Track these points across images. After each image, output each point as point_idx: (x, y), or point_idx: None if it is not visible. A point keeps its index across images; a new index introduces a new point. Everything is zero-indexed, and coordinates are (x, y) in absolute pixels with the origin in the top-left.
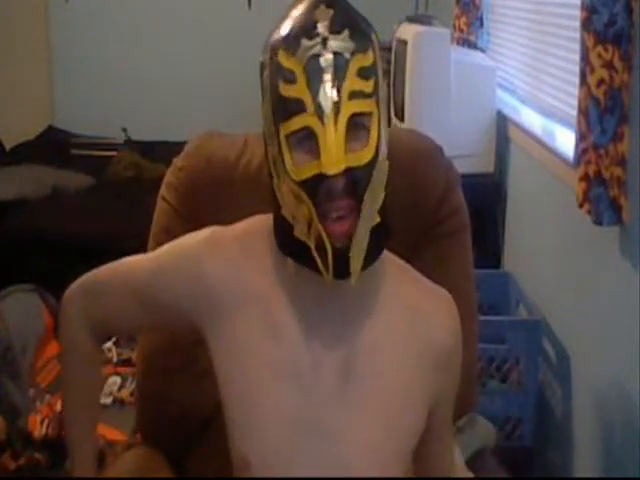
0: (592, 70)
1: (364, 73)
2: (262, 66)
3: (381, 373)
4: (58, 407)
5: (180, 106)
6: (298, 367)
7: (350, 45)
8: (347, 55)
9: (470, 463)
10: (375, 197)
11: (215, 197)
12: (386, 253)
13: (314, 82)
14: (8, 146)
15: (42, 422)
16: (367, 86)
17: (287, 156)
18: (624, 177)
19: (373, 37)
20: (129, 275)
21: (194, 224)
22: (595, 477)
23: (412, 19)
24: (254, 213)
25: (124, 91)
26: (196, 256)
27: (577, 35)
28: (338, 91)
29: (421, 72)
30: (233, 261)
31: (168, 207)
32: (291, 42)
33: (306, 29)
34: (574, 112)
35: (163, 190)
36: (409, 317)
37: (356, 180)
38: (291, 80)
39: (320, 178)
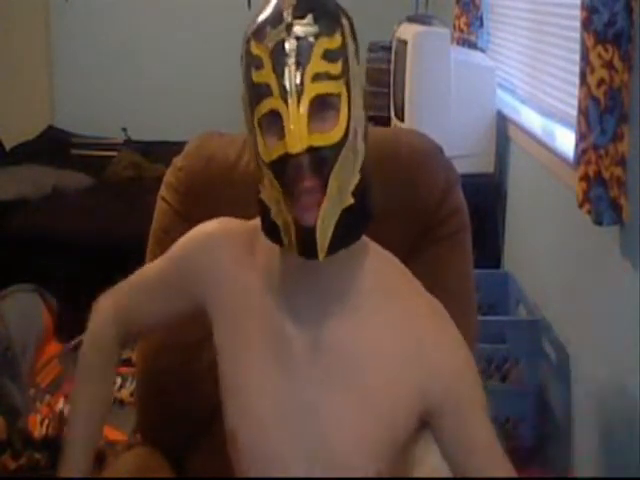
0: (592, 70)
1: (330, 55)
2: (241, 58)
3: (360, 360)
4: (58, 407)
5: (180, 106)
6: (281, 349)
7: (314, 29)
8: (311, 39)
9: None
10: (345, 178)
11: (215, 197)
12: (373, 245)
13: (279, 66)
14: (8, 146)
15: (42, 422)
16: (334, 68)
17: (259, 140)
18: (624, 177)
19: (343, 20)
20: (145, 273)
21: (194, 224)
22: (595, 477)
23: (412, 19)
24: (253, 213)
25: (124, 91)
26: (204, 245)
27: (577, 35)
28: (302, 73)
29: (421, 72)
30: (235, 252)
31: (168, 207)
32: (260, 31)
33: (273, 18)
34: (574, 112)
35: (163, 190)
36: (390, 309)
37: (322, 159)
38: (259, 66)
39: (286, 158)
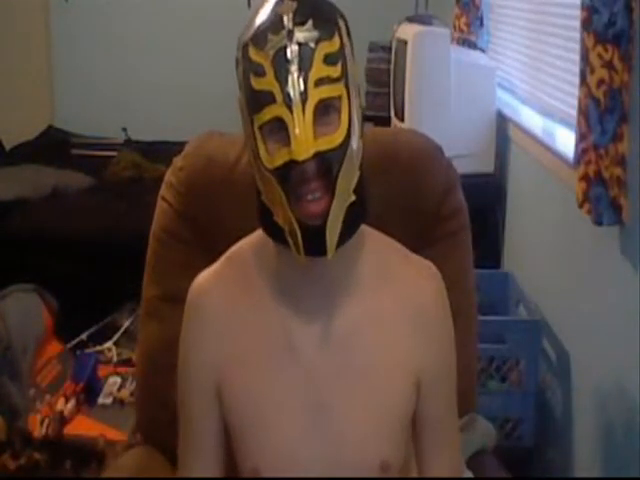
0: (592, 70)
1: (330, 59)
2: (237, 63)
3: (368, 346)
4: (58, 407)
5: (180, 106)
6: (293, 357)
7: (315, 34)
8: (312, 44)
9: (470, 463)
10: (349, 177)
11: (215, 197)
12: (367, 229)
13: (282, 73)
14: (8, 146)
15: (42, 422)
16: (334, 71)
17: (261, 146)
18: (624, 177)
19: (340, 22)
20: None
21: (194, 224)
22: (595, 477)
23: (412, 19)
24: (253, 213)
25: (124, 91)
26: (198, 324)
27: (577, 35)
28: (305, 80)
29: (421, 72)
30: (225, 292)
31: (168, 207)
32: (259, 38)
33: (272, 24)
34: (574, 112)
35: (163, 190)
36: (390, 285)
37: (328, 163)
38: (261, 73)
39: (291, 164)
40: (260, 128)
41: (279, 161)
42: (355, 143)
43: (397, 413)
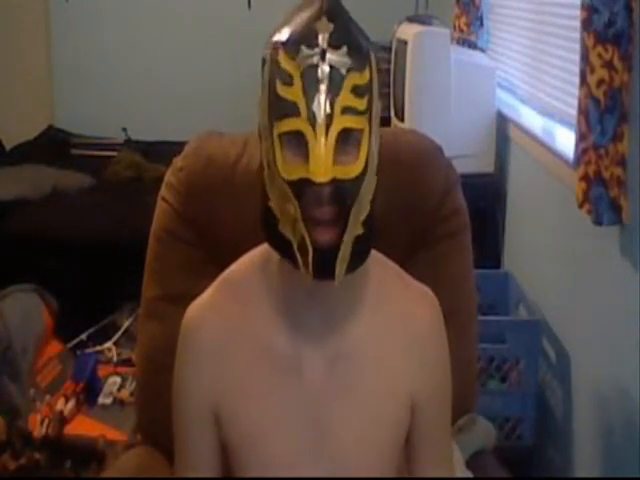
0: (592, 70)
1: (358, 91)
2: (263, 60)
3: (365, 367)
4: (58, 407)
5: (180, 106)
6: (292, 377)
7: (347, 61)
8: (343, 71)
9: (470, 463)
10: (361, 210)
11: (215, 197)
12: (372, 253)
13: (310, 90)
14: (8, 146)
15: (42, 422)
16: (360, 104)
17: (279, 154)
18: (624, 177)
19: (371, 55)
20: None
21: (194, 224)
22: (595, 477)
23: (412, 19)
24: (253, 213)
25: (124, 91)
26: (195, 352)
27: (577, 35)
28: (332, 104)
29: (421, 72)
30: (220, 319)
31: (168, 207)
32: (291, 46)
33: (307, 37)
34: (574, 112)
35: (163, 190)
36: (388, 310)
37: (343, 192)
38: (288, 82)
39: (308, 183)
40: (280, 136)
41: (295, 175)
42: (371, 178)
43: (392, 432)
